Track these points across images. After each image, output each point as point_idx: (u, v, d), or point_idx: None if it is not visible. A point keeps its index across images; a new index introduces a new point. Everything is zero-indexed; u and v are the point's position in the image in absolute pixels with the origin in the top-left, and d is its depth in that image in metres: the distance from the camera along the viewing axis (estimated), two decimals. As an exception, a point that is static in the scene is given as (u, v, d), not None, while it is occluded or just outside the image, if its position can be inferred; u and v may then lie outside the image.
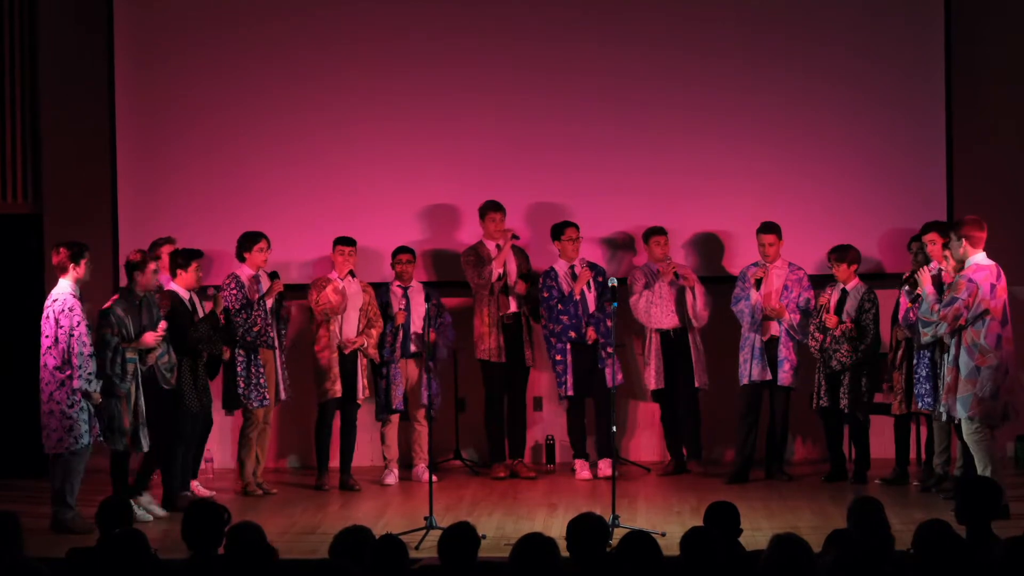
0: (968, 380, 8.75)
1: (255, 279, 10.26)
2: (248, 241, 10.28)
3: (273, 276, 10.32)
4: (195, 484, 10.06)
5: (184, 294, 9.75)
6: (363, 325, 10.52)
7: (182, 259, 9.79)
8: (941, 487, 9.75)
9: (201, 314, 9.79)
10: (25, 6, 11.27)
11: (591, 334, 10.55)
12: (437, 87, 11.20)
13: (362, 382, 10.51)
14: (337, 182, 11.24)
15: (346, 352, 10.44)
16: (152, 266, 9.38)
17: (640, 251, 11.04)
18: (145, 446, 9.25)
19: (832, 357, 10.22)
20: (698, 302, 10.62)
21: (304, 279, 10.90)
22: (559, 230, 10.74)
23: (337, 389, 10.40)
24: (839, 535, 5.88)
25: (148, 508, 9.36)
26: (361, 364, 10.51)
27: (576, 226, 10.72)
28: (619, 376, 10.33)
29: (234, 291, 10.13)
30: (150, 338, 9.23)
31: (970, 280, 8.74)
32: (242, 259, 10.30)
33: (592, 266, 10.74)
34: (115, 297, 9.36)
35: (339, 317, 10.42)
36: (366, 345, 10.48)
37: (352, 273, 10.54)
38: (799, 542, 5.46)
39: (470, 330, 10.85)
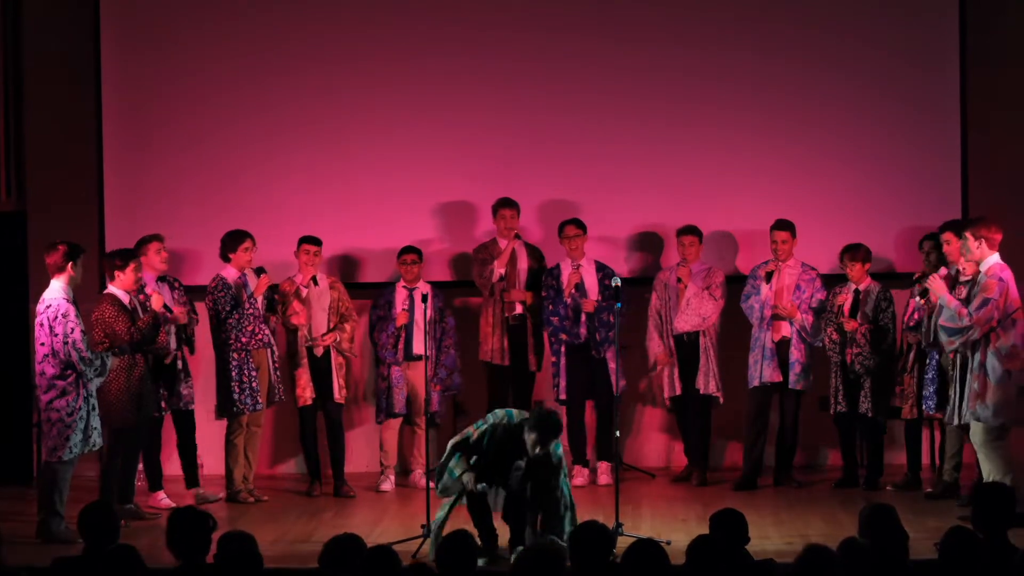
0: (999, 386, 8.56)
1: (242, 279, 10.10)
2: (232, 241, 10.12)
3: (259, 272, 10.18)
4: (160, 495, 9.86)
5: (124, 296, 9.42)
6: (333, 324, 10.35)
7: (120, 260, 9.44)
8: (954, 496, 9.57)
9: (143, 316, 9.48)
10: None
11: (582, 331, 10.37)
12: (440, 84, 11.05)
13: (338, 382, 10.36)
14: (335, 178, 11.07)
15: (317, 352, 10.25)
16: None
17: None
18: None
19: (854, 361, 10.03)
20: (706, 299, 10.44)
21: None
22: (560, 228, 10.58)
23: (308, 396, 10.28)
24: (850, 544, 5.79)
25: None
26: (336, 363, 10.35)
27: (575, 223, 10.57)
28: (622, 382, 10.21)
29: (222, 293, 10.01)
30: None
31: (1000, 279, 8.57)
32: (226, 259, 10.15)
33: (600, 267, 10.52)
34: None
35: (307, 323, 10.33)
36: (338, 340, 10.30)
37: (315, 280, 10.36)
38: (827, 553, 5.41)
39: (475, 330, 10.70)
